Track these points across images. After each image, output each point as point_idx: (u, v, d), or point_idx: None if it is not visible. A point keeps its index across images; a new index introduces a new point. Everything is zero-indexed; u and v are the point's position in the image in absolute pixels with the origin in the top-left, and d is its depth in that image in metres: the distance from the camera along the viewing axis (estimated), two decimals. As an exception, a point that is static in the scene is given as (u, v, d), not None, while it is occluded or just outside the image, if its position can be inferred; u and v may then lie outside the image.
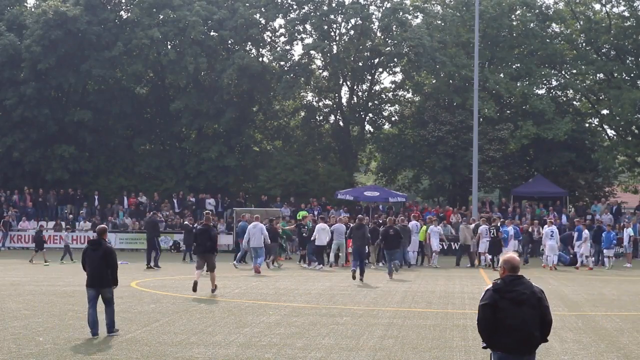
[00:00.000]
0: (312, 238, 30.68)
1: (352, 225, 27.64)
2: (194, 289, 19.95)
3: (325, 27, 48.88)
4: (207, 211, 30.45)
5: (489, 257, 32.17)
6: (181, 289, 21.61)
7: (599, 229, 34.09)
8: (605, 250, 32.73)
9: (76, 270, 28.51)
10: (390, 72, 52.44)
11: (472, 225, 34.11)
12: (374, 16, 49.06)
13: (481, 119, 46.01)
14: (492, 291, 7.72)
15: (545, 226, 32.51)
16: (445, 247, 36.14)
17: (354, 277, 24.25)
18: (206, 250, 20.63)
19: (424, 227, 33.18)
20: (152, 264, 29.48)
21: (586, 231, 32.48)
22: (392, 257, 26.37)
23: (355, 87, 51.77)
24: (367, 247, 27.91)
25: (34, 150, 46.71)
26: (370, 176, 60.56)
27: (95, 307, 13.56)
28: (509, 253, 8.15)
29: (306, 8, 48.97)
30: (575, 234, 32.97)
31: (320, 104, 53.62)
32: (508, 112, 50.38)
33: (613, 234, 32.80)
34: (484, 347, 7.78)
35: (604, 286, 24.43)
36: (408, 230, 32.06)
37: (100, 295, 13.59)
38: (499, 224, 32.20)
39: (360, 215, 30.57)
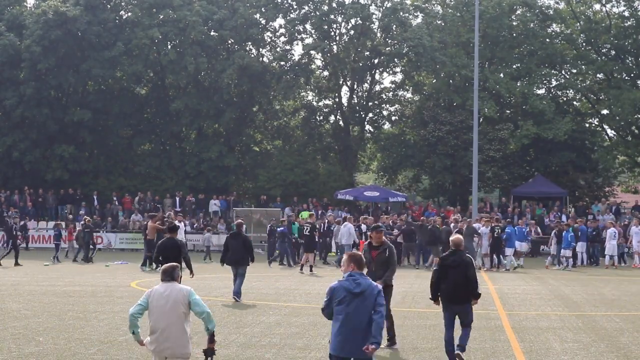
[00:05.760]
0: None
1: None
2: None
3: (325, 27, 48.85)
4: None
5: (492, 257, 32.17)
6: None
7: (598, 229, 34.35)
8: (562, 250, 32.06)
9: (83, 270, 28.50)
10: (390, 72, 52.41)
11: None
12: (374, 16, 49.03)
13: (481, 119, 45.98)
14: (440, 259, 11.89)
15: (611, 229, 33.22)
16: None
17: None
18: None
19: None
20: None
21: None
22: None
23: (355, 87, 51.73)
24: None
25: (33, 150, 46.67)
26: (370, 176, 60.55)
27: (236, 279, 18.76)
28: (456, 235, 12.61)
29: (306, 8, 48.92)
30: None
31: (320, 104, 53.62)
32: (508, 112, 50.34)
33: (571, 235, 31.81)
34: (430, 299, 11.88)
35: (604, 286, 24.44)
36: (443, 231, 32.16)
37: (237, 270, 18.86)
38: (497, 225, 32.19)
39: (423, 217, 34.57)
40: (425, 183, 53.34)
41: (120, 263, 31.70)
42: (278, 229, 32.86)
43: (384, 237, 13.12)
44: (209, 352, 8.53)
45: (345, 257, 8.75)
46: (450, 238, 11.99)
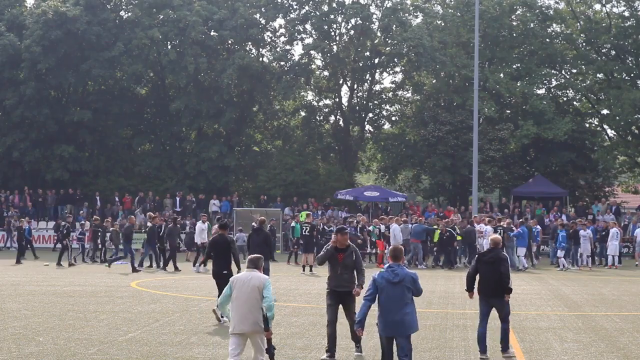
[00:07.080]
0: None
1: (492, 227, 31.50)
2: None
3: (325, 27, 48.85)
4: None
5: None
6: (181, 289, 21.62)
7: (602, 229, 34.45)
8: (558, 251, 31.92)
9: (82, 270, 28.52)
10: (390, 72, 52.41)
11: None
12: (374, 16, 49.02)
13: (481, 119, 45.94)
14: (477, 255, 13.14)
15: (614, 229, 33.04)
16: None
17: None
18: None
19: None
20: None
21: (589, 231, 32.54)
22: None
23: (355, 87, 51.74)
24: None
25: (33, 150, 46.63)
26: (370, 176, 60.56)
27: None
28: (495, 235, 13.31)
29: (306, 8, 48.92)
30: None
31: (320, 104, 53.62)
32: (508, 112, 50.32)
33: (563, 234, 31.55)
34: (466, 290, 12.80)
35: (604, 286, 24.44)
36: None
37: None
38: (499, 225, 32.13)
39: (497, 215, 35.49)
40: (425, 183, 53.33)
41: (121, 263, 31.69)
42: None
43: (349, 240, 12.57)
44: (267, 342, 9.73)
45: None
46: (489, 237, 13.21)
